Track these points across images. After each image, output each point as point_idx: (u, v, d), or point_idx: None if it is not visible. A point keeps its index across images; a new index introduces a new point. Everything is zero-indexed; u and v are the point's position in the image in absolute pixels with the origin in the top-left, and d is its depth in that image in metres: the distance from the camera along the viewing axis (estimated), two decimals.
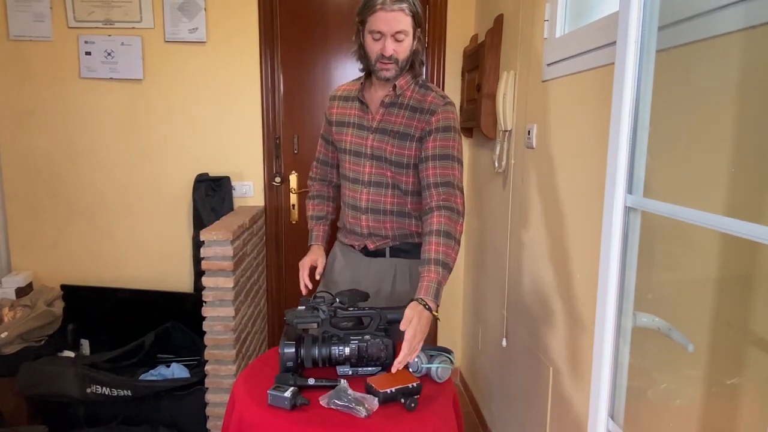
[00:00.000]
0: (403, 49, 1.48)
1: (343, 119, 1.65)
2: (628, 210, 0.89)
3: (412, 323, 1.30)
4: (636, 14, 0.83)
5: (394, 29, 1.44)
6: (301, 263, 1.68)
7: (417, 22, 1.48)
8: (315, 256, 1.71)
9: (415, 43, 1.51)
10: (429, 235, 1.43)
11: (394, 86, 1.54)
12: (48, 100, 2.71)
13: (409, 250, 1.66)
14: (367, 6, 1.46)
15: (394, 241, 1.65)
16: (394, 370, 1.33)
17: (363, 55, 1.53)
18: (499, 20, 2.21)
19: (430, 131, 1.52)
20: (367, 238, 1.65)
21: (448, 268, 1.41)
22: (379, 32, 1.45)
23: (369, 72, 1.56)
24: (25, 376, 2.24)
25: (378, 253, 1.67)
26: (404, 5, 1.43)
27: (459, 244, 1.46)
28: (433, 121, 1.52)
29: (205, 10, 2.65)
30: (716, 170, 0.88)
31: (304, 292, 1.60)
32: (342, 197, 1.72)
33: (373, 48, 1.48)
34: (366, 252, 1.68)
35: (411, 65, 1.54)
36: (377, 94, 1.58)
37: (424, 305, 1.35)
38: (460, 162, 1.53)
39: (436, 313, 1.37)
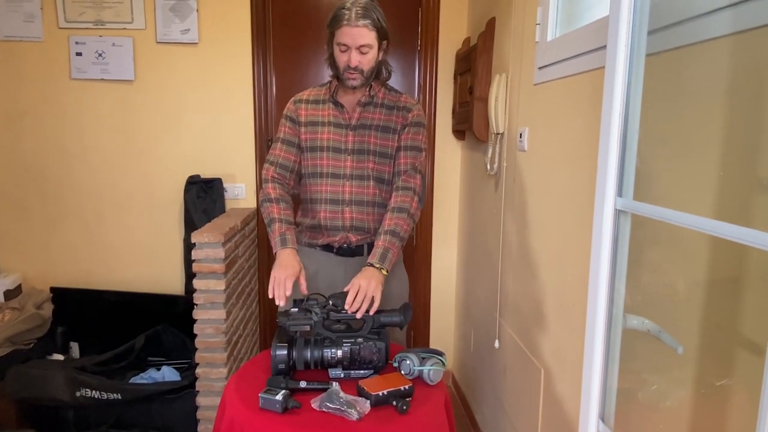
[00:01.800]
0: (367, 60, 1.60)
1: (315, 119, 1.71)
2: (619, 213, 0.90)
3: (356, 278, 1.49)
4: (626, 19, 0.84)
5: (358, 43, 1.56)
6: (281, 277, 1.49)
7: (382, 35, 1.60)
8: (296, 266, 1.53)
9: (380, 54, 1.64)
10: (387, 212, 1.65)
11: (370, 87, 1.68)
12: (38, 100, 2.69)
13: None
14: (334, 20, 1.57)
15: (374, 235, 1.70)
16: (349, 311, 1.44)
17: (333, 63, 1.65)
18: (491, 24, 2.22)
19: (406, 125, 1.70)
20: (350, 231, 1.69)
21: (397, 236, 1.61)
22: (344, 45, 1.58)
23: (338, 78, 1.68)
24: (14, 380, 2.21)
25: (356, 252, 1.70)
26: (368, 21, 1.54)
27: (412, 217, 1.66)
28: (409, 117, 1.70)
29: (197, 11, 2.65)
30: (706, 173, 0.88)
31: (282, 303, 1.48)
32: (311, 195, 1.70)
33: (341, 59, 1.61)
34: (343, 251, 1.70)
35: (378, 73, 1.68)
36: (352, 96, 1.70)
37: (371, 265, 1.54)
38: (424, 150, 1.74)
39: (384, 272, 1.55)
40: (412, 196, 1.65)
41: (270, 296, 1.49)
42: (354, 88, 1.64)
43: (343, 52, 1.58)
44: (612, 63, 0.87)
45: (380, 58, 1.65)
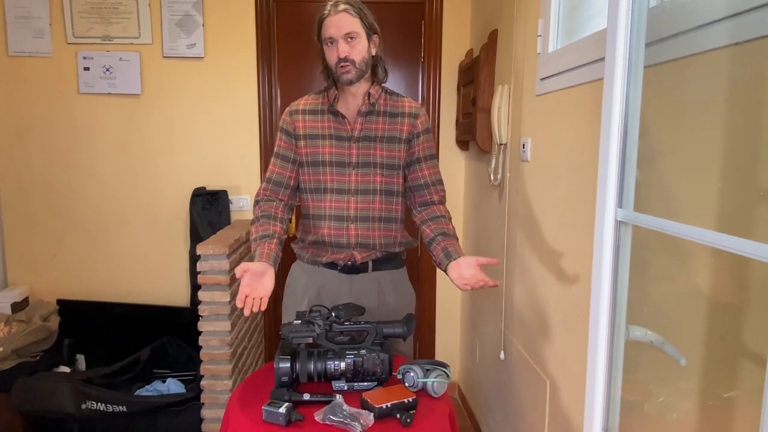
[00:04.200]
0: (357, 50, 1.54)
1: (315, 132, 1.63)
2: (619, 224, 0.90)
3: (473, 267, 1.49)
4: (623, 31, 0.85)
5: (342, 31, 1.52)
6: (242, 266, 1.40)
7: (369, 27, 1.56)
8: (263, 267, 1.46)
9: (372, 47, 1.59)
10: (443, 218, 1.65)
11: (369, 95, 1.61)
12: (46, 115, 2.73)
13: (391, 260, 1.70)
14: (318, 21, 1.57)
15: (379, 251, 1.65)
16: (482, 262, 1.48)
17: (328, 74, 1.61)
18: (493, 35, 2.24)
19: (417, 134, 1.65)
20: (354, 249, 1.63)
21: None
22: (330, 38, 1.53)
23: (335, 86, 1.64)
24: (20, 392, 2.22)
25: (361, 269, 1.65)
26: (348, 7, 1.53)
27: None
28: (418, 124, 1.65)
29: (203, 26, 2.68)
30: (706, 184, 0.88)
31: (240, 304, 1.41)
32: (314, 211, 1.64)
33: (331, 56, 1.56)
34: (347, 269, 1.64)
35: (374, 72, 1.62)
36: (352, 104, 1.63)
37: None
38: (437, 157, 1.75)
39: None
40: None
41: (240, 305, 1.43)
42: (350, 82, 1.55)
43: (331, 46, 1.54)
44: (610, 75, 0.87)
45: (373, 53, 1.59)
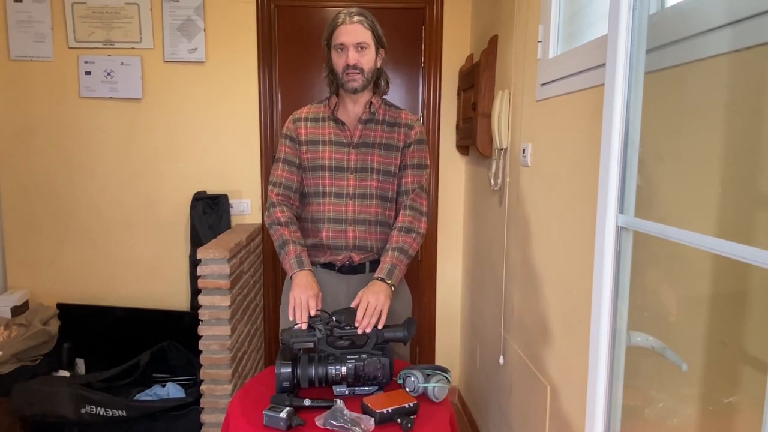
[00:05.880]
0: (366, 60, 1.61)
1: (316, 138, 1.70)
2: (620, 230, 0.90)
3: (365, 293, 1.51)
4: (624, 37, 0.85)
5: (354, 40, 1.59)
6: (302, 299, 1.49)
7: (378, 40, 1.64)
8: (315, 287, 1.54)
9: (378, 60, 1.66)
10: (392, 230, 1.68)
11: (370, 104, 1.68)
12: (48, 119, 2.73)
13: None
14: (330, 26, 1.63)
15: (376, 254, 1.71)
16: (359, 331, 1.44)
17: (332, 80, 1.68)
18: (493, 41, 2.25)
19: (410, 143, 1.71)
20: (352, 251, 1.69)
21: (405, 253, 1.64)
22: (341, 44, 1.59)
23: (338, 93, 1.70)
24: (19, 396, 2.22)
25: (358, 269, 1.70)
26: (363, 19, 1.60)
27: (421, 236, 1.69)
28: (412, 135, 1.71)
29: (204, 30, 2.69)
30: (707, 190, 0.89)
31: (305, 326, 1.47)
32: (313, 214, 1.70)
33: (339, 62, 1.62)
34: (345, 269, 1.70)
35: (376, 83, 1.69)
36: (353, 112, 1.70)
37: (380, 280, 1.57)
38: (428, 167, 1.76)
39: (390, 281, 1.58)
40: (419, 217, 1.68)
41: (291, 318, 1.49)
42: (356, 90, 1.62)
43: (340, 52, 1.60)
44: (611, 81, 0.88)
45: (378, 66, 1.66)
